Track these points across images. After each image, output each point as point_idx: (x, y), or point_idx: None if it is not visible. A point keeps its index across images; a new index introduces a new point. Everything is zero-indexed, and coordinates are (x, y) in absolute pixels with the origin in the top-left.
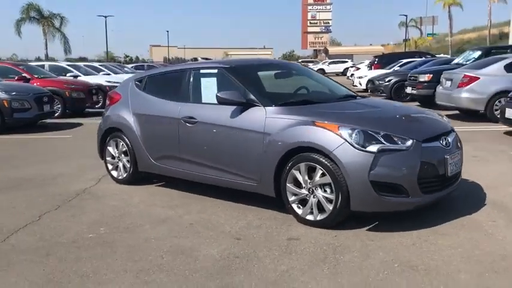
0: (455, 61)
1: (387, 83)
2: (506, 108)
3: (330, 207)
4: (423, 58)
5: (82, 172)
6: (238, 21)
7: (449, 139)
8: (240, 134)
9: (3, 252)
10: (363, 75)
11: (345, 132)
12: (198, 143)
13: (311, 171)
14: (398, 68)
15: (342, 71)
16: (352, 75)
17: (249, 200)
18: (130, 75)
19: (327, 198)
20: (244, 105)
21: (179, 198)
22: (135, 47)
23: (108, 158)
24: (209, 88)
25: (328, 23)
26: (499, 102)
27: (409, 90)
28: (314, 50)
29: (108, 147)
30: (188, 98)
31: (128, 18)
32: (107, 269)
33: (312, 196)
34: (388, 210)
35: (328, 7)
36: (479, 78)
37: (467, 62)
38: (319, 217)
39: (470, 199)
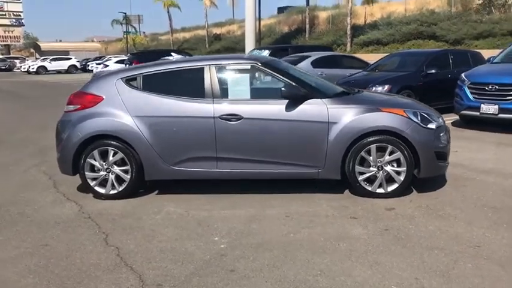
0: None
1: None
2: None
3: (401, 177)
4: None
5: (22, 199)
6: None
7: None
8: (300, 125)
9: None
10: None
11: (411, 114)
12: (246, 140)
13: (377, 151)
14: None
15: (66, 68)
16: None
17: (289, 188)
18: None
19: (396, 172)
20: (302, 98)
21: (219, 200)
22: None
23: (88, 173)
24: (242, 84)
25: (20, 15)
26: None
27: None
28: (6, 44)
29: (89, 160)
30: (218, 96)
31: None
32: (315, 268)
33: (381, 172)
34: (439, 174)
35: None
36: None
37: None
38: (390, 188)
39: None
